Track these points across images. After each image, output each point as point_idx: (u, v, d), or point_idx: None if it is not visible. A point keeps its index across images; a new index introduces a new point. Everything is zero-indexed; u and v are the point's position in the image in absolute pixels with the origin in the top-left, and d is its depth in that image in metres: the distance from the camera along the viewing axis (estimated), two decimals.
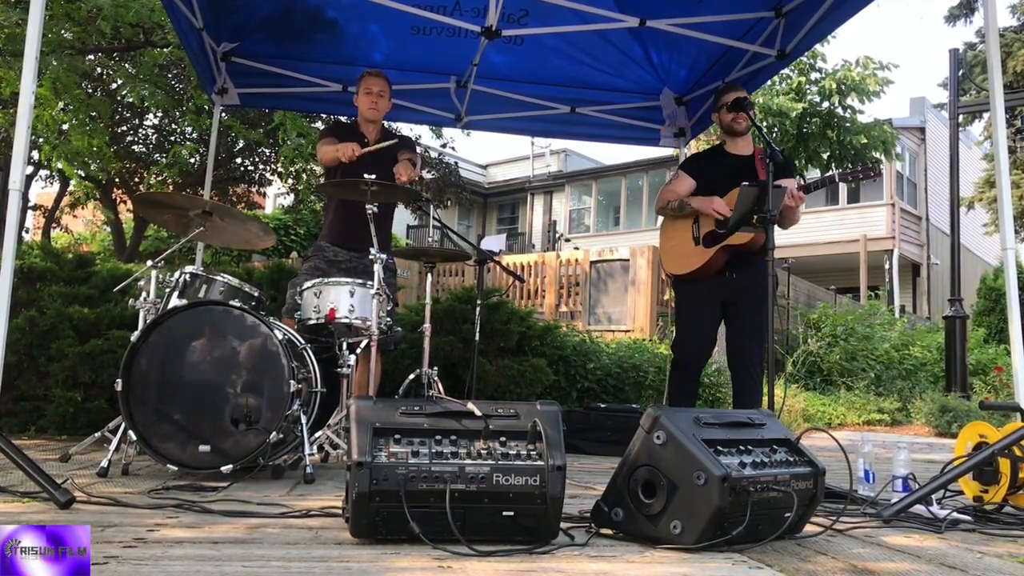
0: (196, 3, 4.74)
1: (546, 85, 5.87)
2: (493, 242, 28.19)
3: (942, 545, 2.29)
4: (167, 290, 3.66)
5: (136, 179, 12.35)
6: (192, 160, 9.84)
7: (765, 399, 3.44)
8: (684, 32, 4.79)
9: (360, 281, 3.64)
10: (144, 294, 3.62)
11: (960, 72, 11.60)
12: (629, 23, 4.73)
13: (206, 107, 7.25)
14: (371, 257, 3.43)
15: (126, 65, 7.45)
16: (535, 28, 4.85)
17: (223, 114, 6.39)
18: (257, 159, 13.04)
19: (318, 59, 5.70)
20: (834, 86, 7.97)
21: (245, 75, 5.70)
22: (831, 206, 20.92)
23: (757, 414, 2.32)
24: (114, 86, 8.18)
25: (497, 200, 29.44)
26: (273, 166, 12.55)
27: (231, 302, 3.26)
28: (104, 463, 3.10)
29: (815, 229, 19.80)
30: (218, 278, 3.71)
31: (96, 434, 3.68)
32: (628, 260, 10.63)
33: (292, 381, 3.11)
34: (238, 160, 13.26)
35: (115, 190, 12.82)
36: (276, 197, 23.99)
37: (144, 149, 10.52)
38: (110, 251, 16.96)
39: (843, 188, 19.70)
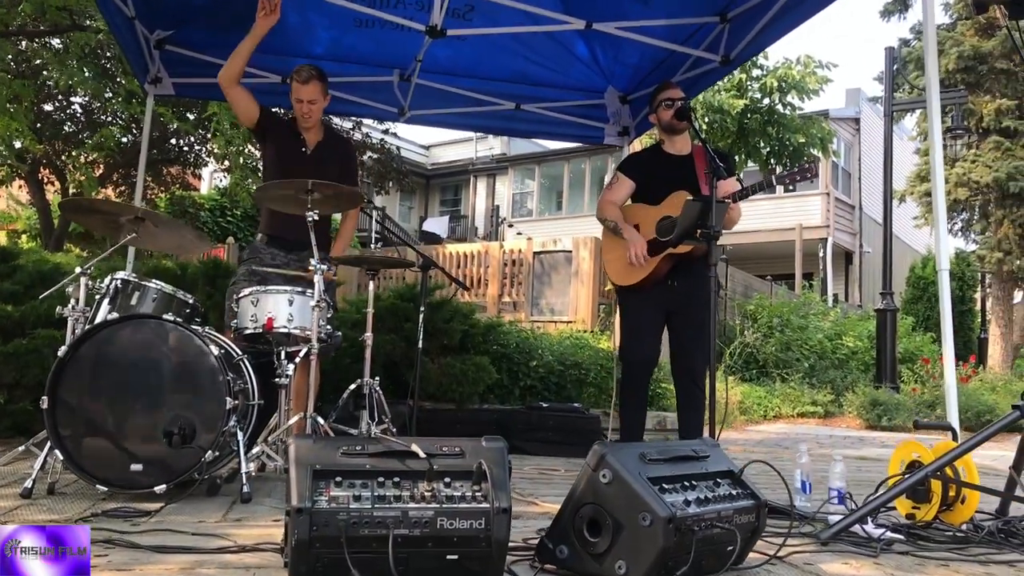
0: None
1: (491, 81, 5.80)
2: (436, 224, 28.08)
3: (877, 573, 2.34)
4: (97, 296, 3.53)
5: (63, 158, 11.91)
6: (124, 140, 9.52)
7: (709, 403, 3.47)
8: (630, 36, 4.78)
9: (299, 289, 3.55)
10: (73, 301, 3.48)
11: (895, 67, 11.87)
12: (575, 25, 4.70)
13: (137, 93, 7.00)
14: (311, 268, 3.34)
15: (53, 43, 7.16)
16: (480, 28, 4.78)
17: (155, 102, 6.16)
18: (193, 139, 12.70)
19: (257, 49, 5.50)
20: (775, 84, 8.07)
21: (180, 64, 5.51)
22: (768, 195, 21.28)
23: (701, 445, 2.32)
24: (38, 61, 7.85)
25: (440, 182, 29.24)
26: (209, 147, 12.24)
27: (165, 315, 3.13)
28: (28, 483, 2.96)
29: (752, 217, 20.06)
30: (151, 285, 3.57)
31: (20, 448, 3.55)
32: (571, 251, 10.66)
33: (228, 398, 3.02)
34: (172, 141, 12.88)
35: (42, 170, 12.35)
36: (212, 176, 23.43)
37: (73, 128, 10.13)
38: (36, 229, 16.35)
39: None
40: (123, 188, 13.76)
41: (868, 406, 8.54)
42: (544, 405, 5.69)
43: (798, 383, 9.85)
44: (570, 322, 10.18)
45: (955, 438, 3.12)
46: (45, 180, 12.79)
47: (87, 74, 6.11)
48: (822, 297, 18.68)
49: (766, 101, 8.19)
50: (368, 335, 3.79)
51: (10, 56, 6.08)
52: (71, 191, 11.74)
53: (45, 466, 3.06)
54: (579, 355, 6.36)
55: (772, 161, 8.85)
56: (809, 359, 11.41)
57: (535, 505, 3.28)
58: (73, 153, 11.44)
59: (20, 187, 14.73)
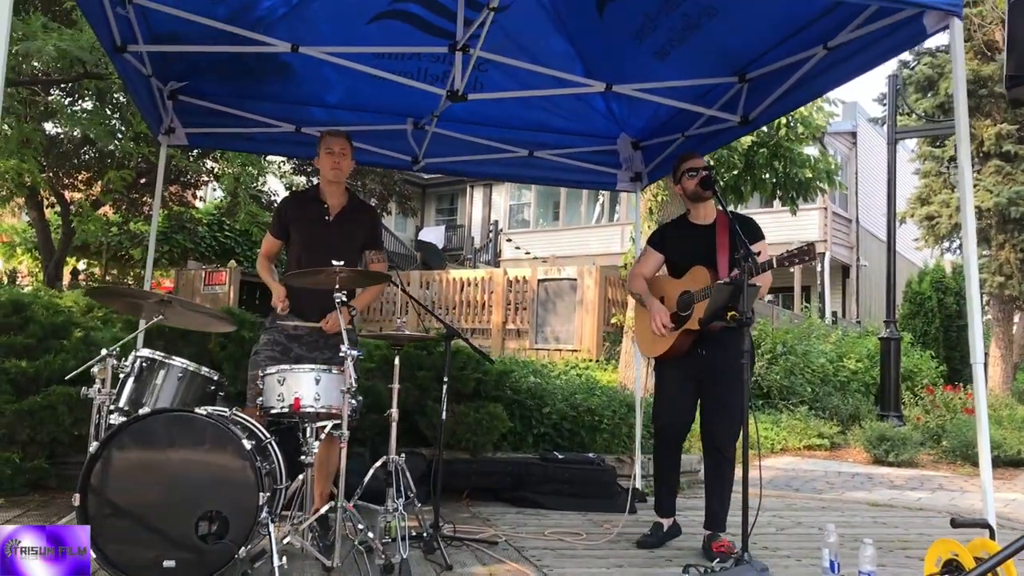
0: (145, 54, 4.51)
1: (505, 128, 5.78)
2: (432, 234, 28.00)
3: None
4: (121, 375, 3.51)
5: (66, 182, 11.83)
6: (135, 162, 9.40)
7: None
8: (648, 97, 4.77)
9: (324, 368, 3.53)
10: (99, 383, 3.45)
11: (896, 88, 11.89)
12: (595, 88, 4.70)
13: (146, 134, 6.96)
14: (341, 355, 3.32)
15: (57, 95, 7.09)
16: (501, 92, 4.76)
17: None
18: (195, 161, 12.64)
19: (270, 99, 5.51)
20: (784, 120, 8.07)
21: (193, 114, 5.47)
22: (766, 209, 21.32)
23: None
24: (47, 107, 7.79)
25: (436, 191, 29.19)
26: (210, 167, 12.18)
27: (197, 408, 3.11)
28: None
29: None
30: (175, 363, 3.57)
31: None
32: (576, 280, 10.65)
33: (262, 493, 3.00)
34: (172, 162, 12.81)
35: (42, 192, 12.27)
36: (208, 188, 23.34)
37: (78, 159, 10.10)
38: (32, 243, 16.20)
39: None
40: (124, 205, 13.69)
41: (875, 440, 8.55)
42: (559, 456, 5.66)
43: (804, 415, 9.85)
44: (575, 351, 10.17)
45: (992, 536, 3.10)
46: (45, 202, 12.71)
47: (98, 125, 6.09)
48: (820, 314, 18.74)
49: (773, 136, 8.18)
50: (393, 411, 3.78)
51: (17, 102, 6.06)
52: (72, 211, 11.66)
53: None
54: (591, 400, 6.34)
55: (779, 193, 8.84)
56: (812, 383, 11.42)
57: None
58: (77, 178, 11.36)
59: (17, 207, 14.62)
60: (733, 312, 3.39)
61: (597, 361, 10.10)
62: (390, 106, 5.55)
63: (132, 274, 18.66)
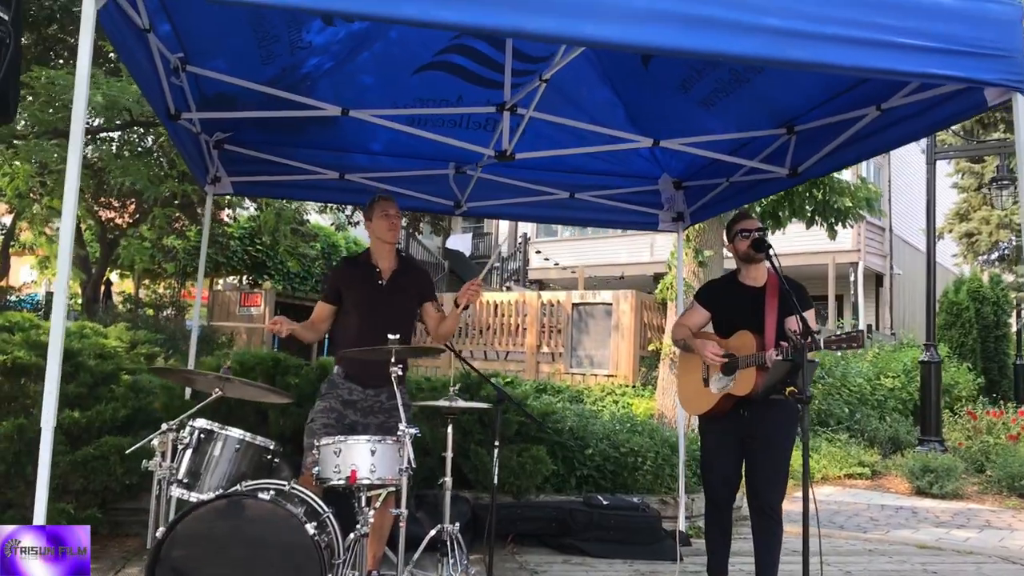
0: (196, 118, 4.57)
1: (546, 171, 5.77)
2: (459, 241, 28.05)
3: None
4: (179, 447, 3.55)
5: (103, 200, 12.00)
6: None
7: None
8: (695, 151, 4.76)
9: (379, 439, 3.55)
10: (159, 456, 3.50)
11: None
12: (643, 144, 4.68)
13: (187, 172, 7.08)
14: (399, 433, 3.34)
15: (106, 146, 7.20)
16: (550, 151, 4.75)
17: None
18: None
19: (314, 147, 5.54)
20: None
21: (238, 163, 5.53)
22: (801, 220, 21.10)
23: None
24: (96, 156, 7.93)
25: None
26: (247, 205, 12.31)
27: (260, 494, 3.13)
28: None
29: (785, 241, 19.92)
30: (231, 434, 3.60)
31: None
32: (611, 304, 10.61)
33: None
34: None
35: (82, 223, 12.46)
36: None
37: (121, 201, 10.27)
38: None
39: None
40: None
41: (918, 472, 8.44)
42: (604, 502, 5.65)
43: (844, 442, 9.75)
44: (611, 376, 10.14)
45: None
46: (82, 224, 12.92)
47: (145, 174, 6.22)
48: (853, 321, 18.55)
49: None
50: (447, 479, 3.79)
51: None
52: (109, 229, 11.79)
53: None
54: (634, 440, 6.32)
55: (817, 219, 8.77)
56: (850, 404, 11.32)
57: None
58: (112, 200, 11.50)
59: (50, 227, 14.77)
60: (792, 389, 3.36)
61: (633, 387, 10.07)
62: (433, 152, 5.56)
63: (164, 284, 18.86)
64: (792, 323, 3.78)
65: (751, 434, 4.05)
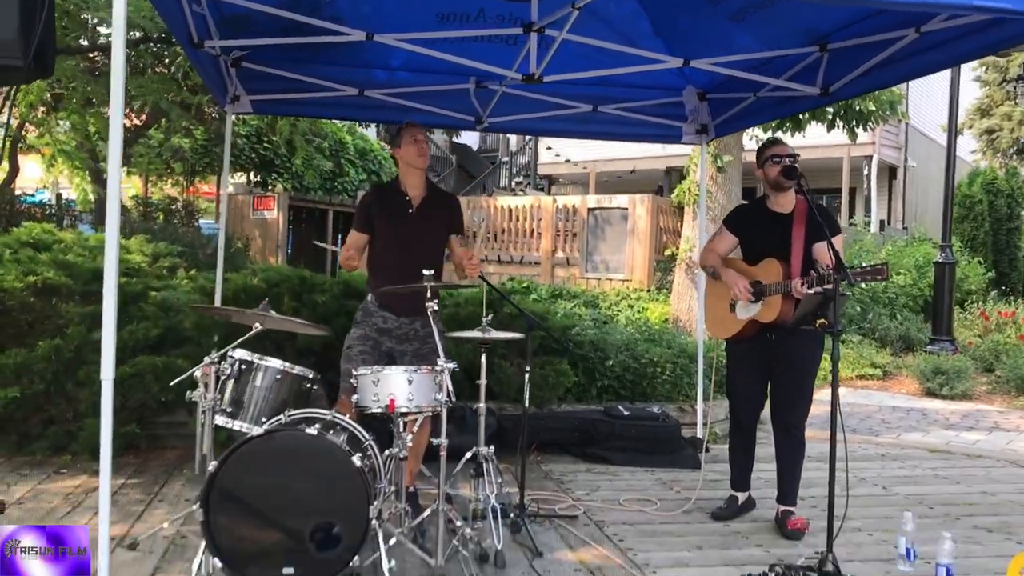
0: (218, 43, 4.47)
1: (569, 85, 5.67)
2: (466, 136, 27.64)
3: None
4: (221, 378, 3.66)
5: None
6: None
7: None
8: (725, 71, 4.66)
9: (414, 368, 3.64)
10: (202, 387, 3.61)
11: None
12: (672, 64, 4.59)
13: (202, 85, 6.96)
14: (438, 367, 3.44)
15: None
16: (578, 72, 4.66)
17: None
18: None
19: (332, 63, 5.43)
20: None
21: (257, 80, 5.43)
22: (822, 123, 20.66)
23: None
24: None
25: None
26: None
27: (308, 429, 3.24)
28: None
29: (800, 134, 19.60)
30: (271, 365, 3.70)
31: (164, 524, 3.76)
32: (627, 208, 10.58)
33: (371, 506, 3.17)
34: None
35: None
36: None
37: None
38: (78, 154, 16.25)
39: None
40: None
41: (930, 374, 8.60)
42: (625, 412, 5.81)
43: (856, 344, 9.90)
44: (626, 280, 10.21)
45: None
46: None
47: (169, 99, 6.16)
48: (866, 224, 18.51)
49: None
50: (481, 405, 3.91)
51: (82, 65, 6.06)
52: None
53: (201, 564, 3.25)
54: (653, 351, 6.44)
55: (839, 122, 8.64)
56: (862, 303, 11.42)
57: None
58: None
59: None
60: (823, 321, 3.41)
61: (648, 291, 10.15)
62: (453, 67, 5.45)
63: (172, 182, 18.75)
64: (823, 255, 3.81)
65: (777, 357, 4.14)
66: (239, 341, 3.64)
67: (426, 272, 3.58)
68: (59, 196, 17.27)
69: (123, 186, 18.54)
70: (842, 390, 8.75)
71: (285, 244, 12.86)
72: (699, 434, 6.10)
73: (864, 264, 3.59)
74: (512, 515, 4.05)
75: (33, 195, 18.23)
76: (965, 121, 14.96)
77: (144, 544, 3.71)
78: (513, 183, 26.84)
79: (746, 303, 4.07)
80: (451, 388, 3.47)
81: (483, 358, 3.91)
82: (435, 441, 3.51)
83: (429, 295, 3.60)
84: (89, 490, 4.59)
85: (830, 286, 3.43)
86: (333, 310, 5.89)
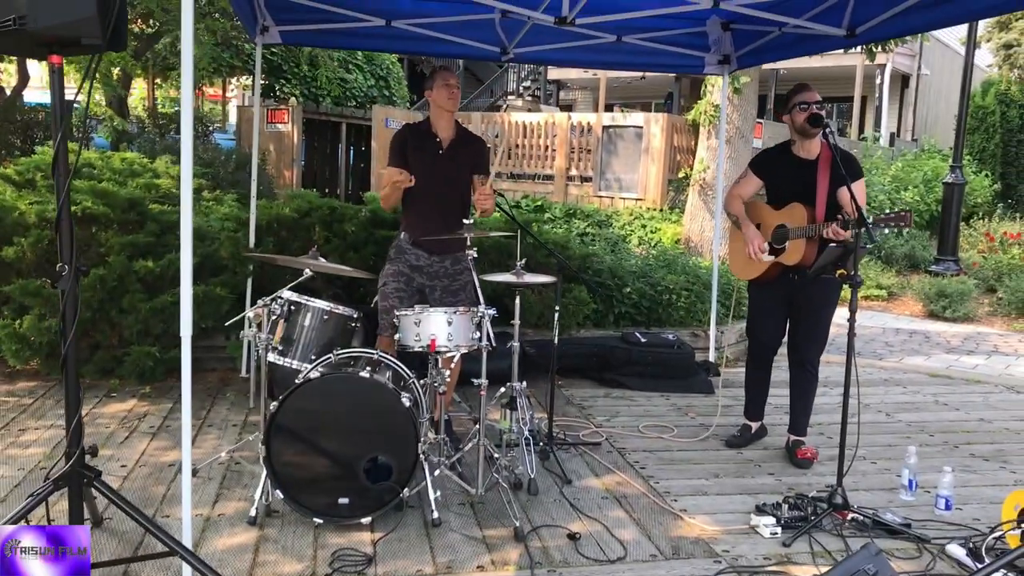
0: None
1: (594, 14, 5.69)
2: None
3: None
4: (272, 318, 3.88)
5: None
6: None
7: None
8: (756, 13, 4.69)
9: (453, 309, 3.85)
10: (255, 328, 3.83)
11: None
12: (703, 4, 4.62)
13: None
14: (479, 311, 3.65)
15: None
16: (610, 15, 4.70)
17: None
18: None
19: None
20: None
21: (286, 11, 5.47)
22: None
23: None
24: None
25: None
26: None
27: (362, 372, 3.48)
28: (252, 512, 3.48)
29: None
30: (318, 305, 3.93)
31: (222, 455, 4.06)
32: (641, 127, 10.59)
33: (420, 443, 3.44)
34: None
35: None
36: None
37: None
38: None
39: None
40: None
41: (933, 296, 8.84)
42: (642, 339, 6.06)
43: (863, 265, 10.08)
44: (639, 199, 10.33)
45: None
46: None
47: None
48: (876, 137, 18.41)
49: None
50: (515, 344, 4.13)
51: None
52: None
53: (263, 494, 3.54)
54: (669, 279, 6.65)
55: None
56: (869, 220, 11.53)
57: (684, 522, 3.72)
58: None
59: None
60: (843, 272, 3.60)
61: (661, 211, 10.27)
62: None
63: (173, 84, 18.55)
64: (846, 203, 3.96)
65: (797, 297, 4.35)
66: (290, 286, 3.84)
67: (466, 222, 3.75)
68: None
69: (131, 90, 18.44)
70: (845, 312, 9.01)
71: (299, 158, 12.89)
72: (711, 358, 6.38)
73: (887, 211, 3.74)
74: (542, 443, 4.34)
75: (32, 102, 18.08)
76: (983, 34, 14.73)
77: (203, 471, 4.01)
78: (521, 87, 26.51)
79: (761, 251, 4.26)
80: (491, 333, 3.69)
81: (517, 300, 4.10)
82: (476, 382, 3.76)
83: (469, 243, 3.78)
84: (140, 416, 4.88)
85: (851, 239, 3.60)
86: (362, 239, 6.07)
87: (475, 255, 3.82)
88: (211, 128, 14.23)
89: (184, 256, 2.76)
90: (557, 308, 4.41)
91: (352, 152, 14.92)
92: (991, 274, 9.94)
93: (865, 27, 4.62)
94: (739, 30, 5.81)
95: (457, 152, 4.35)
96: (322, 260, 3.85)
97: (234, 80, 22.84)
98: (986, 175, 17.78)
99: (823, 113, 4.12)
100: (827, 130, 4.03)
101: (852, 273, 3.57)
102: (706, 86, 9.40)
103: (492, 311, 3.72)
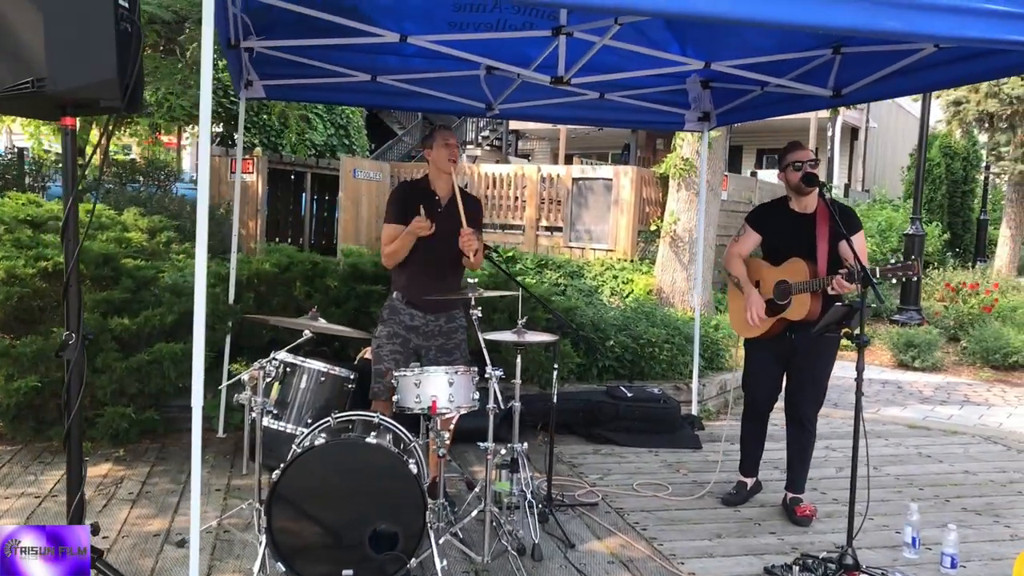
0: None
1: (579, 72, 5.75)
2: None
3: None
4: (267, 380, 3.75)
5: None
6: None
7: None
8: (744, 74, 4.78)
9: (454, 369, 3.78)
10: (250, 391, 3.70)
11: None
12: (694, 66, 4.69)
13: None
14: (487, 376, 3.58)
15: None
16: (604, 75, 4.74)
17: None
18: None
19: (346, 48, 5.42)
20: None
21: (270, 65, 5.41)
22: None
23: None
24: None
25: None
26: None
27: (368, 439, 3.37)
28: None
29: None
30: (313, 367, 3.82)
31: (213, 522, 3.89)
32: (611, 179, 10.70)
33: (428, 513, 3.33)
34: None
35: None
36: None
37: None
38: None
39: None
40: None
41: (902, 347, 8.99)
42: (628, 394, 6.01)
43: None
44: (610, 250, 10.38)
45: None
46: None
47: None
48: (828, 185, 18.89)
49: None
50: (516, 404, 4.06)
51: None
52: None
53: (262, 567, 3.38)
54: (651, 333, 6.65)
55: None
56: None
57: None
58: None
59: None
60: (847, 330, 3.62)
61: (632, 262, 10.35)
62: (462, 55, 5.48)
63: (129, 131, 18.29)
64: (848, 257, 3.99)
65: (795, 353, 4.35)
66: (288, 348, 3.74)
67: (470, 281, 3.71)
68: (21, 153, 16.77)
69: (80, 138, 18.11)
70: None
71: (263, 208, 12.74)
72: (694, 411, 6.37)
73: (892, 261, 3.78)
74: (540, 505, 4.24)
75: None
76: (935, 92, 15.25)
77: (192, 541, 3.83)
78: (480, 137, 26.76)
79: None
80: (499, 395, 3.62)
81: (518, 359, 4.04)
82: (482, 445, 3.68)
83: (473, 302, 3.73)
84: (117, 481, 4.68)
85: (856, 291, 3.63)
86: (344, 294, 5.98)
87: (479, 314, 3.77)
88: (174, 178, 14.00)
89: (197, 327, 2.65)
90: (556, 366, 4.36)
91: (316, 203, 14.80)
92: (953, 323, 10.16)
93: (851, 88, 4.72)
94: (719, 88, 5.91)
95: (455, 211, 4.31)
96: (322, 321, 3.75)
97: (189, 128, 22.66)
98: (936, 225, 18.32)
99: (816, 172, 4.17)
100: (823, 188, 4.09)
101: (858, 333, 3.58)
102: (676, 140, 9.55)
103: (500, 372, 3.65)
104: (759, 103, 5.59)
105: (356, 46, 5.36)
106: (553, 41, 4.42)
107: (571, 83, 4.46)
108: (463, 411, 3.81)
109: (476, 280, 3.90)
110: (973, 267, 15.94)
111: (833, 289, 3.99)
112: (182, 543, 3.79)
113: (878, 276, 3.74)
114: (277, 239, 13.45)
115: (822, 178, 14.21)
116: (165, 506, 4.31)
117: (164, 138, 27.28)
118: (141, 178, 13.19)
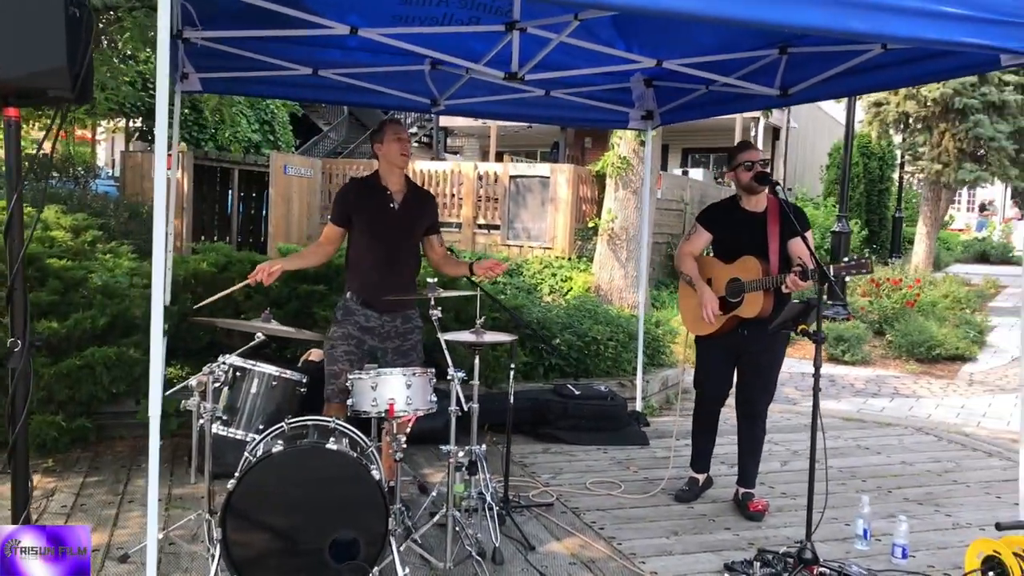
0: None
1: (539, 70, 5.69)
2: None
3: None
4: (215, 385, 3.60)
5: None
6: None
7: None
8: (694, 72, 4.80)
9: (411, 371, 3.70)
10: (198, 396, 3.54)
11: None
12: (645, 64, 4.70)
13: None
14: (449, 377, 3.50)
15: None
16: (555, 72, 4.70)
17: None
18: None
19: (286, 40, 5.25)
20: None
21: (207, 57, 5.19)
22: None
23: None
24: None
25: None
26: None
27: (328, 444, 3.25)
28: None
29: None
30: (265, 371, 3.68)
31: (159, 534, 3.69)
32: (548, 177, 10.69)
33: (390, 519, 3.23)
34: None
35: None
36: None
37: None
38: None
39: None
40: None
41: (833, 341, 9.23)
42: (576, 392, 6.00)
43: None
44: (548, 248, 10.38)
45: None
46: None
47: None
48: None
49: None
50: (475, 405, 3.99)
51: None
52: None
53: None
54: (596, 330, 6.66)
55: None
56: None
57: None
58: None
59: None
60: (804, 327, 3.66)
61: (570, 260, 10.38)
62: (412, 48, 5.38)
63: (40, 125, 17.55)
64: (803, 251, 4.04)
65: (746, 350, 4.40)
66: (239, 352, 3.58)
67: (430, 281, 3.63)
68: None
69: None
70: None
71: (188, 206, 12.32)
72: (639, 407, 6.39)
73: (846, 259, 3.84)
74: (497, 507, 4.18)
75: None
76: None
77: (136, 555, 3.64)
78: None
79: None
80: (462, 397, 3.55)
81: (476, 360, 3.97)
82: (444, 448, 3.60)
83: (432, 304, 3.65)
84: (48, 493, 4.43)
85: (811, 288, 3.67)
86: (285, 295, 5.81)
87: (440, 315, 3.68)
88: (95, 174, 13.43)
89: (154, 332, 2.51)
90: (512, 366, 4.29)
91: (242, 200, 14.40)
92: (877, 318, 10.48)
93: (797, 88, 4.79)
94: (662, 87, 5.93)
95: (410, 208, 4.22)
96: (275, 323, 3.61)
97: (104, 122, 21.83)
98: (855, 222, 18.94)
99: (768, 171, 4.22)
100: (776, 186, 4.14)
101: (814, 330, 3.63)
102: (612, 138, 9.60)
103: (461, 374, 3.58)
104: (704, 102, 5.63)
105: (298, 39, 5.20)
106: (504, 36, 4.35)
107: (526, 80, 4.38)
108: (421, 413, 3.73)
109: (436, 280, 3.79)
110: (889, 263, 16.55)
111: (787, 287, 4.04)
112: (124, 558, 3.61)
113: (832, 274, 3.79)
114: (203, 238, 13.04)
115: None
116: (103, 519, 4.10)
117: (79, 132, 26.34)
118: (57, 174, 12.58)
